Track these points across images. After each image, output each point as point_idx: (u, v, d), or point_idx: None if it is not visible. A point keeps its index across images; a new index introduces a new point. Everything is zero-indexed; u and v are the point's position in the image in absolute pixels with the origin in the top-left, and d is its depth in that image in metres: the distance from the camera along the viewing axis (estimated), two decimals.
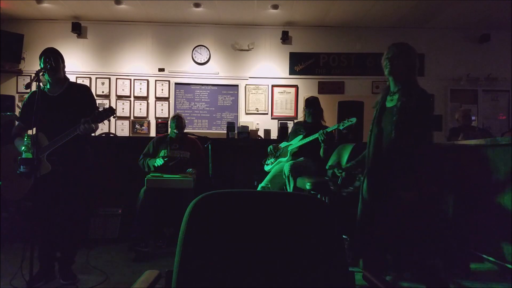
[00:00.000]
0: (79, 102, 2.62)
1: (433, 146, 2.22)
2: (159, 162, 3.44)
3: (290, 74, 6.45)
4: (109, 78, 6.26)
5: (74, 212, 2.62)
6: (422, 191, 2.14)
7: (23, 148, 2.44)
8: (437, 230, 2.45)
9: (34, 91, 2.50)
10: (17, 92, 6.09)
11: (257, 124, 6.07)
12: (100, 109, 2.53)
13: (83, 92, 2.71)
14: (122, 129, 6.20)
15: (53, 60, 2.51)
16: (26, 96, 2.69)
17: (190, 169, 3.46)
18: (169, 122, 3.90)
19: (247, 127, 4.75)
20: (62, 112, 2.53)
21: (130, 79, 6.29)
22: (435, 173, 2.23)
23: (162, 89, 6.32)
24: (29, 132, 2.60)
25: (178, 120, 3.70)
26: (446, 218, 2.43)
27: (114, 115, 2.64)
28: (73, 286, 2.52)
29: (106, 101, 6.18)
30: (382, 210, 2.22)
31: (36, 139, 2.35)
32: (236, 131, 4.76)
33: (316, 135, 3.26)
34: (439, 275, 2.29)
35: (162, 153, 3.58)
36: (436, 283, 2.18)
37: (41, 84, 2.41)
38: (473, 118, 5.69)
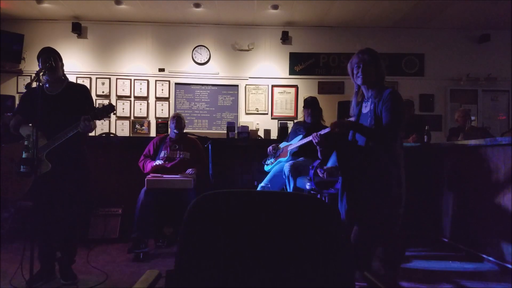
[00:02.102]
0: (78, 102, 2.62)
1: (400, 145, 2.23)
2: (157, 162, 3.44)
3: (290, 74, 6.45)
4: (109, 78, 6.26)
5: (73, 211, 2.62)
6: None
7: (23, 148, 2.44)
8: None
9: (31, 89, 2.51)
10: (17, 92, 6.08)
11: (257, 124, 6.08)
12: (99, 107, 2.55)
13: (81, 92, 2.72)
14: (122, 129, 6.20)
15: (52, 60, 2.51)
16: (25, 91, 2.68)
17: (190, 170, 3.46)
18: (169, 122, 3.90)
19: (247, 127, 4.74)
20: (61, 111, 2.54)
21: (130, 79, 6.29)
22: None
23: (162, 89, 6.32)
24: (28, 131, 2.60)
25: (178, 120, 3.70)
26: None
27: (114, 112, 2.64)
28: (73, 286, 2.52)
29: (106, 101, 6.17)
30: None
31: (35, 139, 2.35)
32: (236, 131, 4.76)
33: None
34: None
35: (163, 154, 3.58)
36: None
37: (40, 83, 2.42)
38: (473, 118, 5.69)
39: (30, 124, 2.56)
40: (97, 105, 5.97)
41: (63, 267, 2.62)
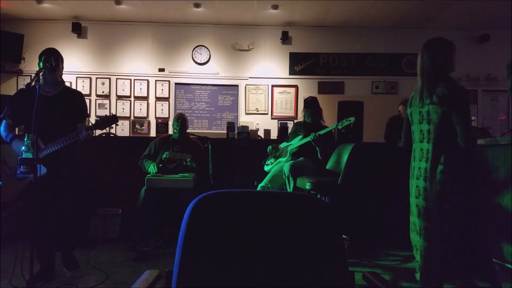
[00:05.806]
0: (73, 106, 2.65)
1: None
2: (152, 170, 3.40)
3: (290, 74, 6.45)
4: (109, 78, 6.26)
5: (68, 211, 2.64)
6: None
7: (23, 148, 2.44)
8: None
9: (22, 88, 2.54)
10: None
11: (257, 124, 6.08)
12: (103, 116, 2.59)
13: (77, 98, 2.74)
14: (122, 129, 6.20)
15: (53, 60, 2.51)
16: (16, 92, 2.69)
17: (189, 160, 3.48)
18: (172, 122, 3.89)
19: (247, 127, 4.75)
20: (56, 113, 2.54)
21: (130, 79, 6.29)
22: None
23: (162, 89, 6.32)
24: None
25: (182, 122, 3.68)
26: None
27: (117, 124, 2.67)
28: (73, 286, 2.53)
29: (106, 101, 6.18)
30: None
31: (35, 140, 2.34)
32: (236, 131, 4.77)
33: (311, 137, 3.24)
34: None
35: (164, 155, 3.56)
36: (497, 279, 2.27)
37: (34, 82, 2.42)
38: (473, 118, 5.69)
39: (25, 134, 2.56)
40: (97, 105, 6.06)
41: (65, 257, 2.69)
